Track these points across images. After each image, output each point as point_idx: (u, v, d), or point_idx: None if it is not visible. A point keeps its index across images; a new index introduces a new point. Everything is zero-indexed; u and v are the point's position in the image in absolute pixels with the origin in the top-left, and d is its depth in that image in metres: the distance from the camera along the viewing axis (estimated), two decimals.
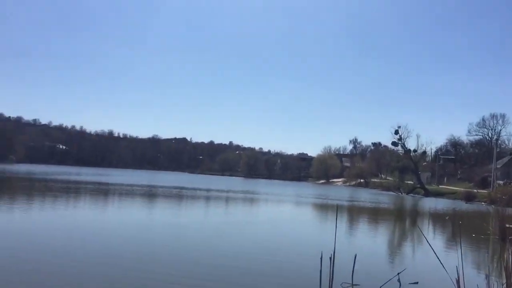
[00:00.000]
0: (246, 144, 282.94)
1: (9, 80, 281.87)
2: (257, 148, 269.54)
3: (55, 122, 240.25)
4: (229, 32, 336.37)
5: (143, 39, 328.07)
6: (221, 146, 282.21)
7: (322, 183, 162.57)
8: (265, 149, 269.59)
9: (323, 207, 51.80)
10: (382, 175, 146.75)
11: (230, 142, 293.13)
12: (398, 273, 12.74)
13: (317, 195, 75.88)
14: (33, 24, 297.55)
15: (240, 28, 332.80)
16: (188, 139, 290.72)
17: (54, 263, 14.20)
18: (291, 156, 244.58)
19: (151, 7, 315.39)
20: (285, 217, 36.82)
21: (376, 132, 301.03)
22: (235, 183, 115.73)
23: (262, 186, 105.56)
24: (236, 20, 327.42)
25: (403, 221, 43.07)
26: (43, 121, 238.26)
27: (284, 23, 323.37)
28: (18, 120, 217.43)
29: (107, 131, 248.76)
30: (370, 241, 25.50)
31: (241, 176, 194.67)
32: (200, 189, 68.94)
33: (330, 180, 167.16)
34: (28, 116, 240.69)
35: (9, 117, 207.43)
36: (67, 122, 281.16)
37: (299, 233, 26.88)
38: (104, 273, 13.33)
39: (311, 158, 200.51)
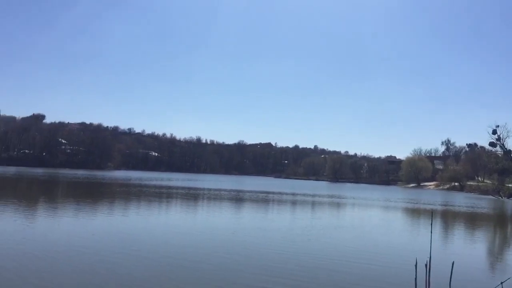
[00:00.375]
0: (331, 147, 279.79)
1: (108, 93, 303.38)
2: (342, 151, 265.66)
3: (148, 131, 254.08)
4: (315, 35, 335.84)
5: (226, 47, 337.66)
6: (306, 150, 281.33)
7: (413, 187, 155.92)
8: (351, 153, 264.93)
9: (414, 212, 49.59)
10: (479, 178, 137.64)
11: (315, 146, 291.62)
12: (502, 283, 11.77)
13: (408, 199, 72.84)
14: (130, 39, 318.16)
15: (326, 31, 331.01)
16: (273, 144, 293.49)
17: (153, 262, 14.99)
18: (379, 159, 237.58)
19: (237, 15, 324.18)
20: (375, 222, 35.72)
21: (471, 133, 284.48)
22: (321, 187, 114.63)
23: (348, 190, 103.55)
24: (323, 23, 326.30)
25: (504, 227, 40.01)
26: (137, 129, 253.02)
27: (374, 25, 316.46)
28: (115, 129, 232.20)
29: (195, 138, 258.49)
30: (468, 248, 23.97)
31: (327, 180, 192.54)
32: (286, 194, 69.14)
33: (421, 184, 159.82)
34: (123, 126, 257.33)
35: (107, 127, 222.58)
36: (159, 130, 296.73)
37: (390, 238, 25.94)
38: (205, 272, 13.84)
39: (400, 161, 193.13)
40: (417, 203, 64.42)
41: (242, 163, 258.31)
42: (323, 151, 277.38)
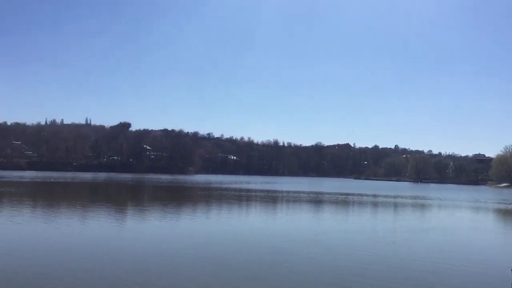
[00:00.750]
0: (413, 147, 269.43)
1: (187, 99, 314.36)
2: (425, 150, 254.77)
3: (226, 135, 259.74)
4: (385, 33, 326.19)
5: (300, 48, 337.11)
6: (386, 150, 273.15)
7: (505, 186, 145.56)
8: (435, 152, 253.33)
9: (508, 214, 46.28)
10: None
11: (396, 146, 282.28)
12: None
13: (500, 200, 68.13)
14: (208, 47, 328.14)
15: (398, 31, 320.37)
16: (352, 145, 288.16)
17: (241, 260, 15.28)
18: (466, 158, 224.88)
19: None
20: (464, 224, 33.75)
21: None
22: (403, 188, 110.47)
23: (433, 191, 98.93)
24: (392, 22, 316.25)
25: None
26: (216, 134, 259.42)
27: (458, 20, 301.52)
28: (195, 134, 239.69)
29: (272, 140, 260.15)
30: None
31: (409, 181, 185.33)
32: (366, 195, 67.44)
33: None
34: (203, 131, 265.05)
35: (188, 132, 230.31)
36: (237, 134, 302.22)
37: (481, 242, 24.40)
38: (287, 273, 13.90)
39: (490, 159, 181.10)
40: (510, 203, 60.07)
41: (320, 165, 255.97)
42: (404, 150, 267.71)
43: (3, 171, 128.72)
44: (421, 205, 52.16)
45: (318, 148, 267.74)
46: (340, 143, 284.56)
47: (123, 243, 19.51)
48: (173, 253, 17.05)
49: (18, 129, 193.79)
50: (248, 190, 69.54)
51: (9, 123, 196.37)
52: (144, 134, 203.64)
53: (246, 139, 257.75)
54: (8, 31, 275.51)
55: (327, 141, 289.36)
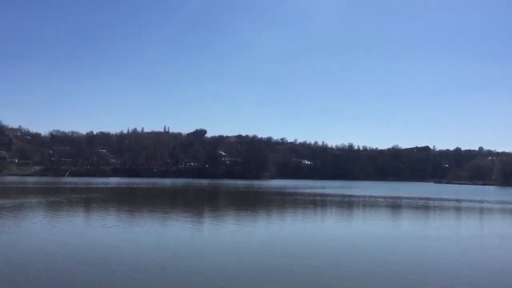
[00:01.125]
0: (499, 148, 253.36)
1: (260, 105, 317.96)
2: None
3: (300, 140, 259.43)
4: (470, 28, 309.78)
5: (378, 49, 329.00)
6: (469, 153, 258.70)
7: None
8: None
9: None
10: None
11: (480, 148, 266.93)
12: None
13: None
14: (277, 53, 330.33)
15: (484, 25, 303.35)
16: (431, 147, 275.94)
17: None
18: None
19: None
20: None
21: None
22: (490, 192, 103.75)
23: None
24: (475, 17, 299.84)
25: None
26: (290, 139, 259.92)
27: None
28: (269, 140, 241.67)
29: (347, 144, 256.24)
30: None
31: (496, 185, 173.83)
32: (448, 200, 64.11)
33: None
34: (276, 136, 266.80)
35: (261, 138, 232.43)
36: (311, 139, 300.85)
37: None
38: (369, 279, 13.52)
39: None
40: None
41: (397, 169, 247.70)
42: (489, 152, 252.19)
43: (90, 177, 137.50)
44: (510, 211, 48.66)
45: (395, 152, 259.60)
46: (418, 146, 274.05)
47: (203, 243, 19.99)
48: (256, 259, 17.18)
49: (103, 138, 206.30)
50: (323, 195, 68.70)
51: (95, 133, 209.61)
52: (219, 140, 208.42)
53: (320, 143, 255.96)
54: (91, 45, 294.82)
55: (404, 144, 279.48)
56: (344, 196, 67.91)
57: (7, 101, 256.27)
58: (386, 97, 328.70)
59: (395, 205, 51.68)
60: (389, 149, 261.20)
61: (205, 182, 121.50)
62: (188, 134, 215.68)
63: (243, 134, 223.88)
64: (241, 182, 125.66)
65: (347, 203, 52.67)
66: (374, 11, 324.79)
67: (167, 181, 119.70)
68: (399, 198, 65.84)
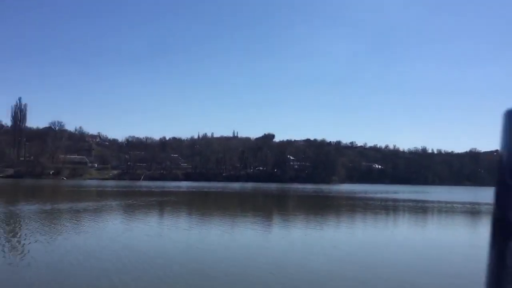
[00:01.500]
0: None
1: (328, 109, 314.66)
2: None
3: (370, 143, 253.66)
4: None
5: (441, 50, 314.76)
6: None
7: None
8: None
9: None
10: None
11: None
12: None
13: None
14: (345, 52, 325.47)
15: None
16: None
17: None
18: None
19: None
20: None
21: None
22: None
23: None
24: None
25: None
26: (359, 143, 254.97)
27: None
28: (338, 144, 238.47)
29: (420, 147, 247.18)
30: None
31: None
32: None
33: None
34: (345, 140, 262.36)
35: (330, 142, 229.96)
36: (381, 142, 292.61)
37: None
38: None
39: None
40: None
41: (476, 173, 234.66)
42: None
43: (163, 181, 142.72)
44: None
45: (473, 155, 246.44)
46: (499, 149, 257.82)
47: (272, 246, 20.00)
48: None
49: (175, 143, 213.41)
50: (395, 200, 66.55)
51: (167, 138, 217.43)
52: (287, 144, 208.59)
53: (391, 146, 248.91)
54: (168, 53, 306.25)
55: (483, 147, 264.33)
56: (418, 201, 65.13)
57: (87, 109, 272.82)
58: (465, 97, 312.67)
59: (473, 211, 48.88)
60: (466, 152, 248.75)
61: (273, 186, 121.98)
62: (256, 139, 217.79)
63: (312, 138, 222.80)
64: (309, 187, 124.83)
65: (421, 209, 50.50)
66: (450, 8, 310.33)
67: (236, 185, 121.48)
68: (478, 203, 62.20)
